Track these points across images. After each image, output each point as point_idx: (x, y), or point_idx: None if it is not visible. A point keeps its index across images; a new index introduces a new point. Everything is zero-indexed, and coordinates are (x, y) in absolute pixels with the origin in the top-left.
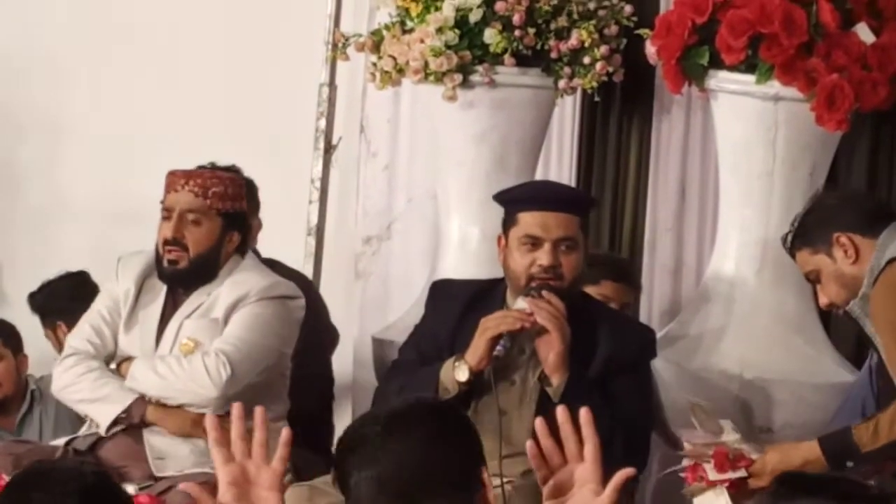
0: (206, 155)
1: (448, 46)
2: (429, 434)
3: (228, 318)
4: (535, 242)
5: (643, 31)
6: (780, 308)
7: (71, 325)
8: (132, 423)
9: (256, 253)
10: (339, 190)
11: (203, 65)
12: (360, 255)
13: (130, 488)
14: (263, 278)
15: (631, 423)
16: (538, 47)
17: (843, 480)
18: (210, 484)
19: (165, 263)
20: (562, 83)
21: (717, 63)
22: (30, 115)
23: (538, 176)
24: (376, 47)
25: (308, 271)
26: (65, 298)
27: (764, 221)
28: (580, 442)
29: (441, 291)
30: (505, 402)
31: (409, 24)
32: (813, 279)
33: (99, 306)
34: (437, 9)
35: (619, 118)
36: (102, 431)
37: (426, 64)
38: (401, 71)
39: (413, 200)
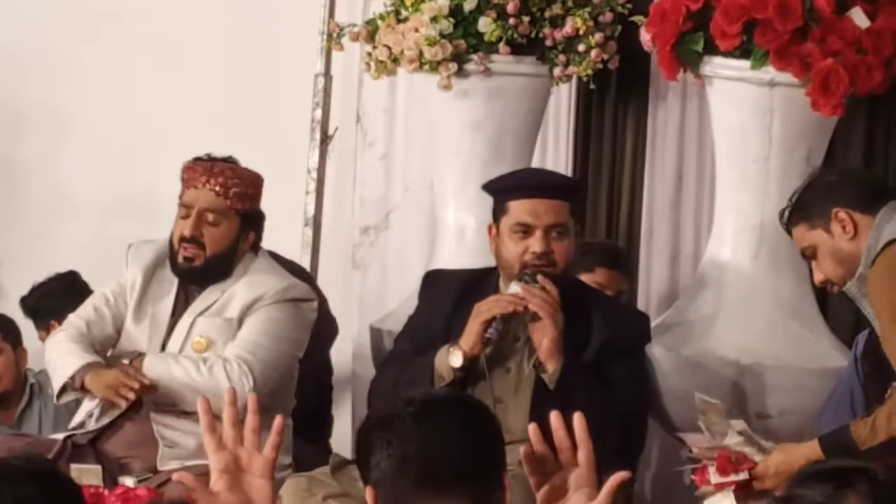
0: (203, 146)
1: (443, 35)
2: (460, 424)
3: (243, 318)
4: (526, 230)
5: (638, 18)
6: (776, 293)
7: None
8: (74, 388)
9: None
10: (336, 180)
11: (200, 56)
12: (358, 245)
13: (129, 481)
14: (280, 280)
15: (627, 409)
16: (533, 35)
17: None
18: (207, 475)
19: (181, 260)
20: (557, 71)
21: (711, 49)
22: (30, 112)
23: (535, 164)
24: (371, 37)
25: (305, 262)
26: (56, 298)
27: (760, 207)
28: (574, 447)
29: (434, 281)
30: (500, 390)
31: (404, 13)
32: (809, 255)
33: (105, 289)
34: None
35: (615, 105)
36: (54, 399)
37: (421, 53)
38: (396, 60)
39: (410, 190)
